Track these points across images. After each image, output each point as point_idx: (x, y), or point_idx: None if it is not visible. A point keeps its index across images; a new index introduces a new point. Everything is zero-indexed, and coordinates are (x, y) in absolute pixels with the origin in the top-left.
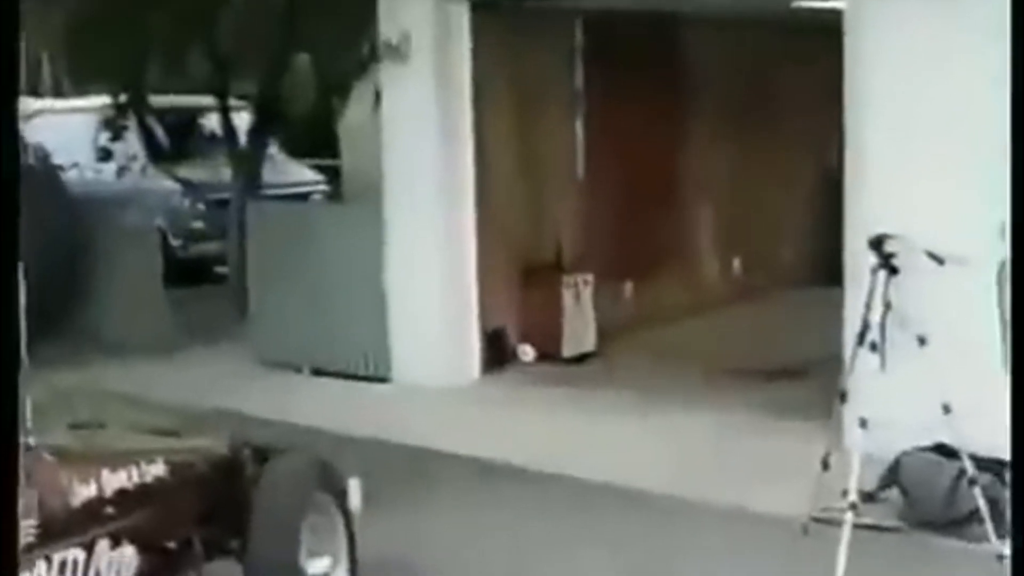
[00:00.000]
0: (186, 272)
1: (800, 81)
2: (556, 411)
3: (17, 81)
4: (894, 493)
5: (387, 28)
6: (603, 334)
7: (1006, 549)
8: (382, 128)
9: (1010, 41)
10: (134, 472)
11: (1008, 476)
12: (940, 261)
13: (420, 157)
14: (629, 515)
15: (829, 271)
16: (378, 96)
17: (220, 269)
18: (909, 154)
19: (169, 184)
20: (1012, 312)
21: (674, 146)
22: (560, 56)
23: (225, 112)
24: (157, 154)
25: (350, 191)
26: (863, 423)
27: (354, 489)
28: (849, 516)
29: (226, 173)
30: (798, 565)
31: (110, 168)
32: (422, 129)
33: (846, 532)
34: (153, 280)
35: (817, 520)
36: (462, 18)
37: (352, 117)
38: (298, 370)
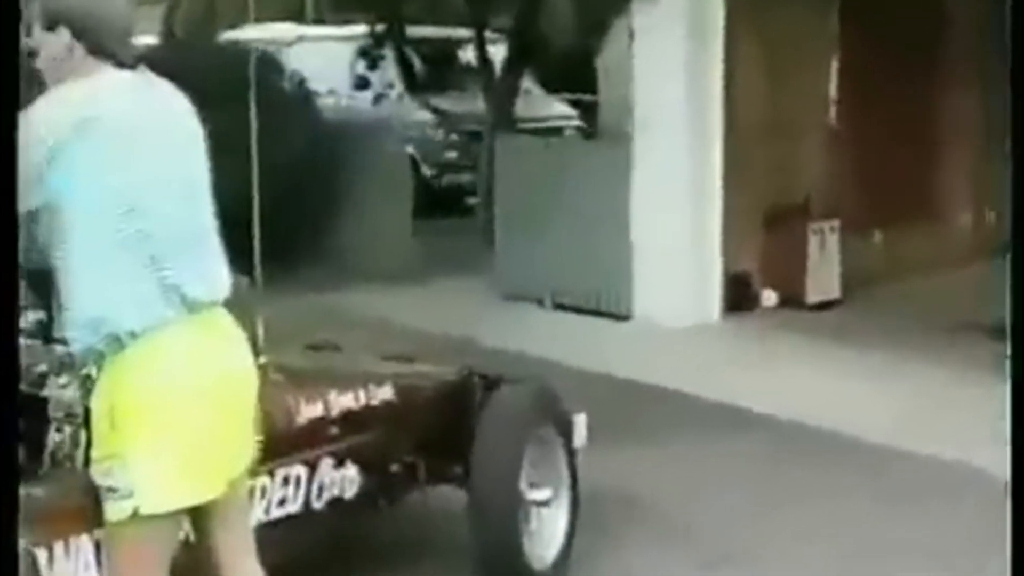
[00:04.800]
0: (437, 202)
1: None
2: (794, 357)
3: (17, 80)
4: None
5: None
6: (849, 282)
7: None
8: (634, 66)
9: (1010, 41)
10: (361, 394)
11: None
12: None
13: (670, 97)
14: (856, 466)
15: None
16: (633, 33)
17: (471, 200)
18: None
19: (424, 114)
20: (1012, 313)
21: (929, 96)
22: (815, 3)
23: (482, 44)
24: (413, 84)
25: (606, 128)
26: None
27: (580, 424)
28: None
29: (481, 105)
30: None
31: (366, 96)
32: (672, 69)
33: None
34: (403, 208)
35: None
36: None
37: (610, 53)
38: (540, 303)
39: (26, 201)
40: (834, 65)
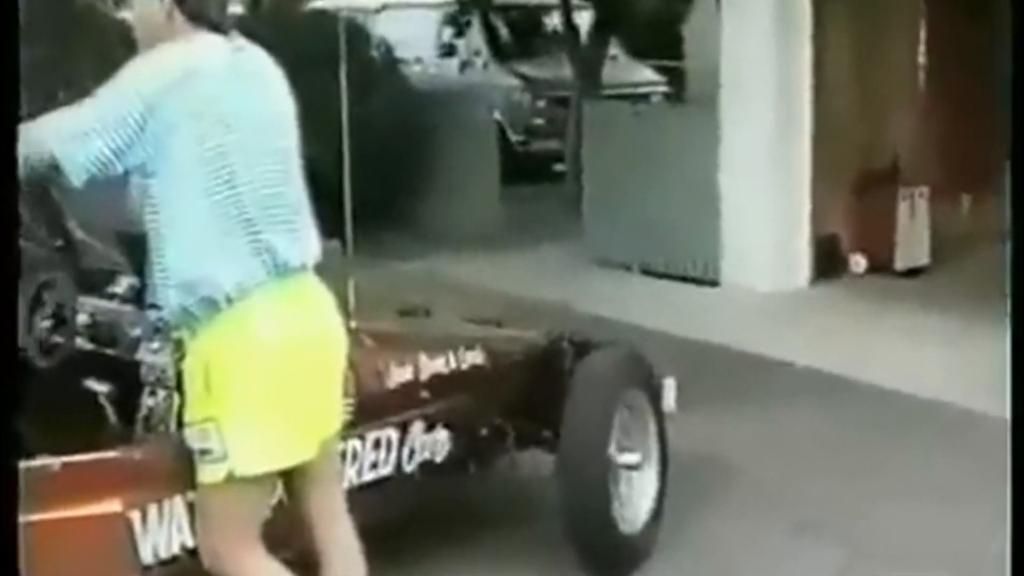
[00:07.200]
0: (524, 168)
1: None
2: (882, 322)
3: (17, 80)
4: None
5: None
6: (938, 248)
7: None
8: (722, 31)
9: (1011, 41)
10: (452, 358)
11: None
12: None
13: (758, 62)
14: (946, 431)
15: None
16: None
17: (558, 167)
18: None
19: (510, 80)
20: (1012, 312)
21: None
22: None
23: (568, 10)
24: (499, 51)
25: (693, 93)
26: None
27: (669, 388)
28: None
29: (568, 71)
30: None
31: (452, 63)
32: (760, 34)
33: None
34: (490, 174)
35: None
36: None
37: (696, 19)
38: (628, 269)
39: (121, 161)
40: (922, 31)
